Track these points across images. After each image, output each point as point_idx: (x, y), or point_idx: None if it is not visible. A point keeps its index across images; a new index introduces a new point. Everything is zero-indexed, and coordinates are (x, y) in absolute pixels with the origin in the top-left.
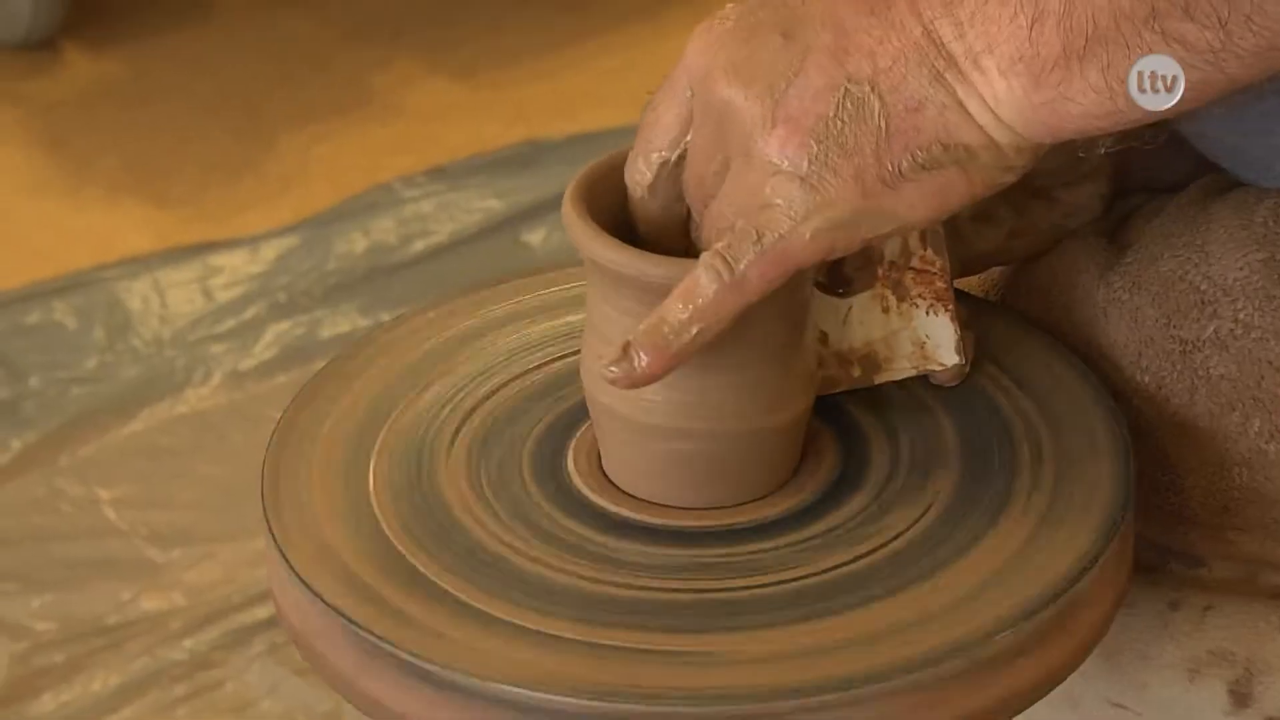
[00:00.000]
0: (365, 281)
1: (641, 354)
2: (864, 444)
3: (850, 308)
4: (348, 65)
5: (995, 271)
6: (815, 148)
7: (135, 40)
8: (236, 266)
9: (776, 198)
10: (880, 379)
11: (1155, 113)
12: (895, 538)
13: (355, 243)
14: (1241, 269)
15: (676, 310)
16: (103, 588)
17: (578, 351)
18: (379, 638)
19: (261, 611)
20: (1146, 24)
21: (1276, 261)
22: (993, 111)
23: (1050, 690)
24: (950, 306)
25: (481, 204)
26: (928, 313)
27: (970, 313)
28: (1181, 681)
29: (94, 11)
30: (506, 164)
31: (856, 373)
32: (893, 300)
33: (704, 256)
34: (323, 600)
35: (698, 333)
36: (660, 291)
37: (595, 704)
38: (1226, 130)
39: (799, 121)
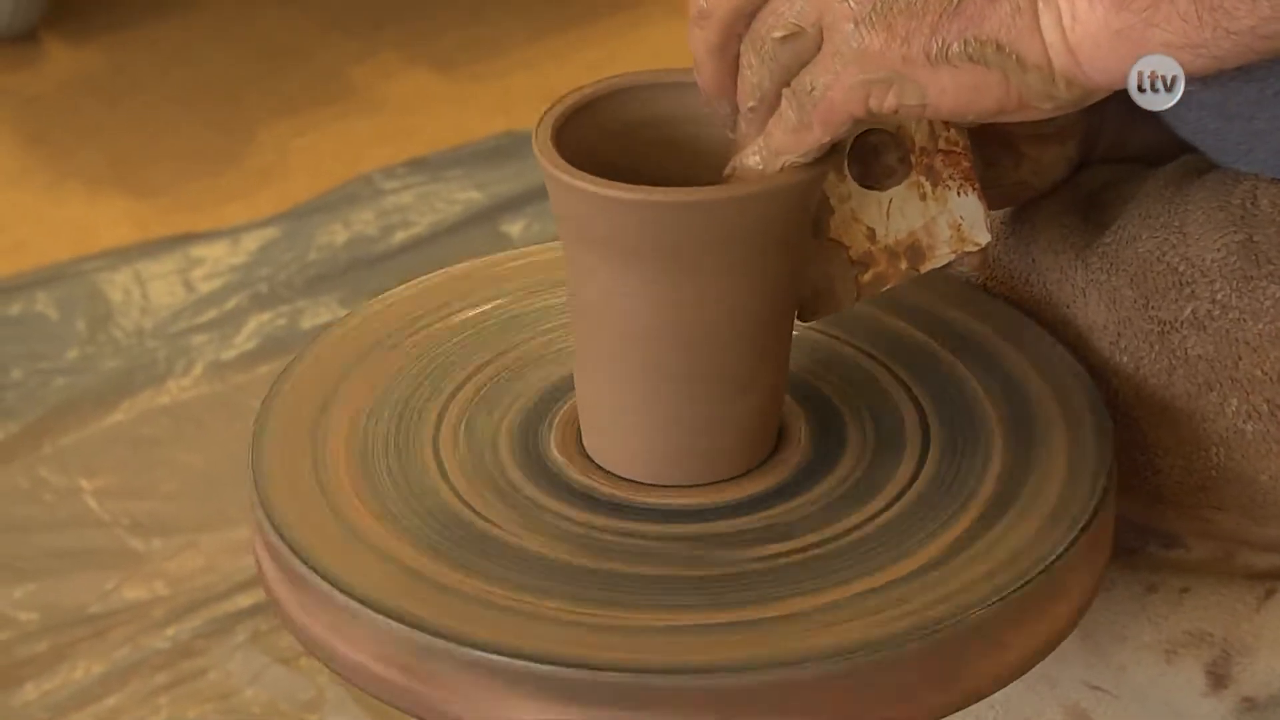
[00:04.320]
0: (346, 273)
1: None
2: (839, 424)
3: (891, 200)
4: (328, 57)
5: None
6: None
7: (116, 32)
8: (217, 258)
9: (835, 30)
10: (925, 268)
11: (1240, 52)
12: (872, 518)
13: (336, 234)
14: (1219, 250)
15: (774, 141)
16: (85, 577)
17: (561, 327)
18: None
19: (244, 600)
20: None
21: (1254, 243)
22: (1064, 33)
23: (1028, 670)
24: (977, 185)
25: (462, 195)
26: (959, 193)
27: (948, 293)
28: (1159, 663)
29: (74, 4)
30: (487, 155)
31: (904, 265)
32: (928, 186)
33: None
34: (314, 569)
35: (788, 162)
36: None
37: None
38: (1210, 114)
39: None
